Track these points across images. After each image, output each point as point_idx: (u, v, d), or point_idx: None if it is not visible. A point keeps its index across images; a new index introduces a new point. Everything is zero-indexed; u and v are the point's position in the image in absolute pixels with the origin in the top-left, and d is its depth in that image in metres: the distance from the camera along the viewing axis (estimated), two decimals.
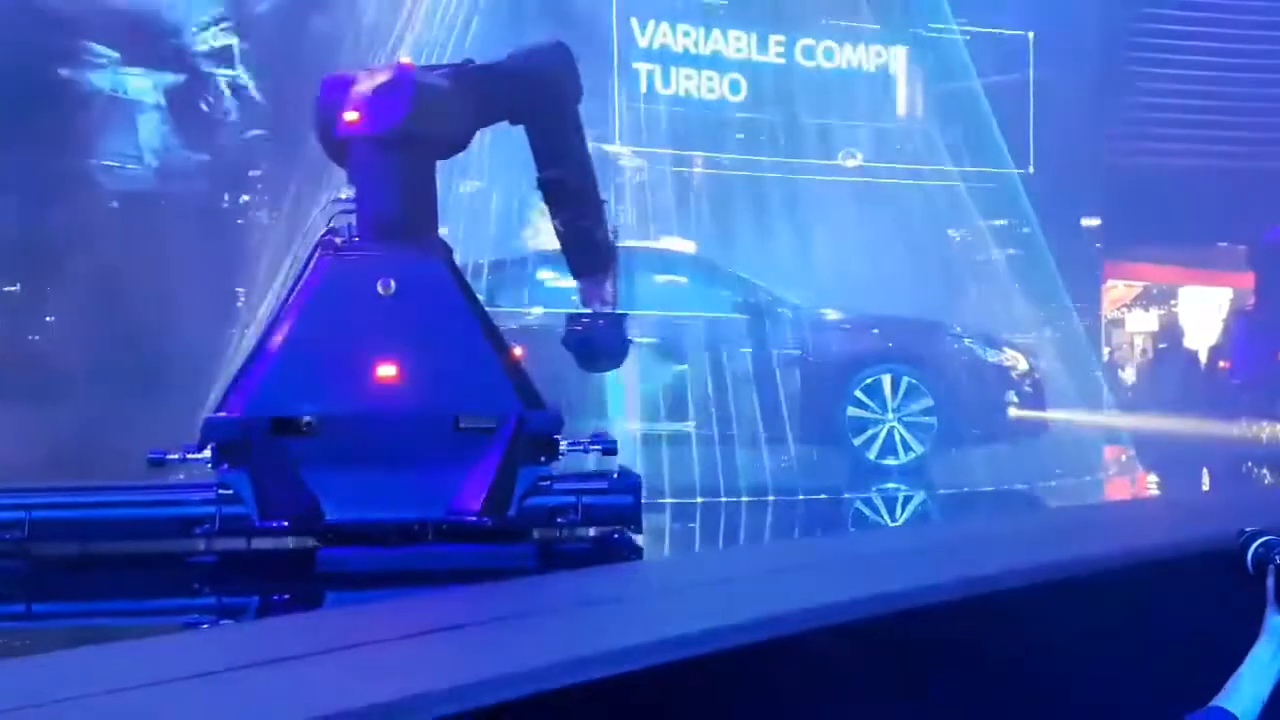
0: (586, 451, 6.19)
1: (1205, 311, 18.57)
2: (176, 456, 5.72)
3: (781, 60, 14.42)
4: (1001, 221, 14.14)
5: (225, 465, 5.58)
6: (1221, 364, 15.45)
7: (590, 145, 6.67)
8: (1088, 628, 3.97)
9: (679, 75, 14.07)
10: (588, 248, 6.66)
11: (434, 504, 5.57)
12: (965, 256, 13.43)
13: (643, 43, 13.95)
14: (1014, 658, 3.78)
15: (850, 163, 14.09)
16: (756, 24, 14.30)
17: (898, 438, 9.65)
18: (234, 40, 11.72)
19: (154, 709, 2.85)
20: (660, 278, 10.20)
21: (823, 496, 8.90)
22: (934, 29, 14.76)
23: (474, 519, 5.55)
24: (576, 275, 6.81)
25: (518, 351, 6.19)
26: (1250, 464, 11.22)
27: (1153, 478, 10.63)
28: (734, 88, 14.21)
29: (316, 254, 5.84)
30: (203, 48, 11.67)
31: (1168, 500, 9.47)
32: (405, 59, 6.30)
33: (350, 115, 5.78)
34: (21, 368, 10.41)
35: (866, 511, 8.65)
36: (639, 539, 6.12)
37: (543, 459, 5.76)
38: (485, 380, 5.73)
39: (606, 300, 6.70)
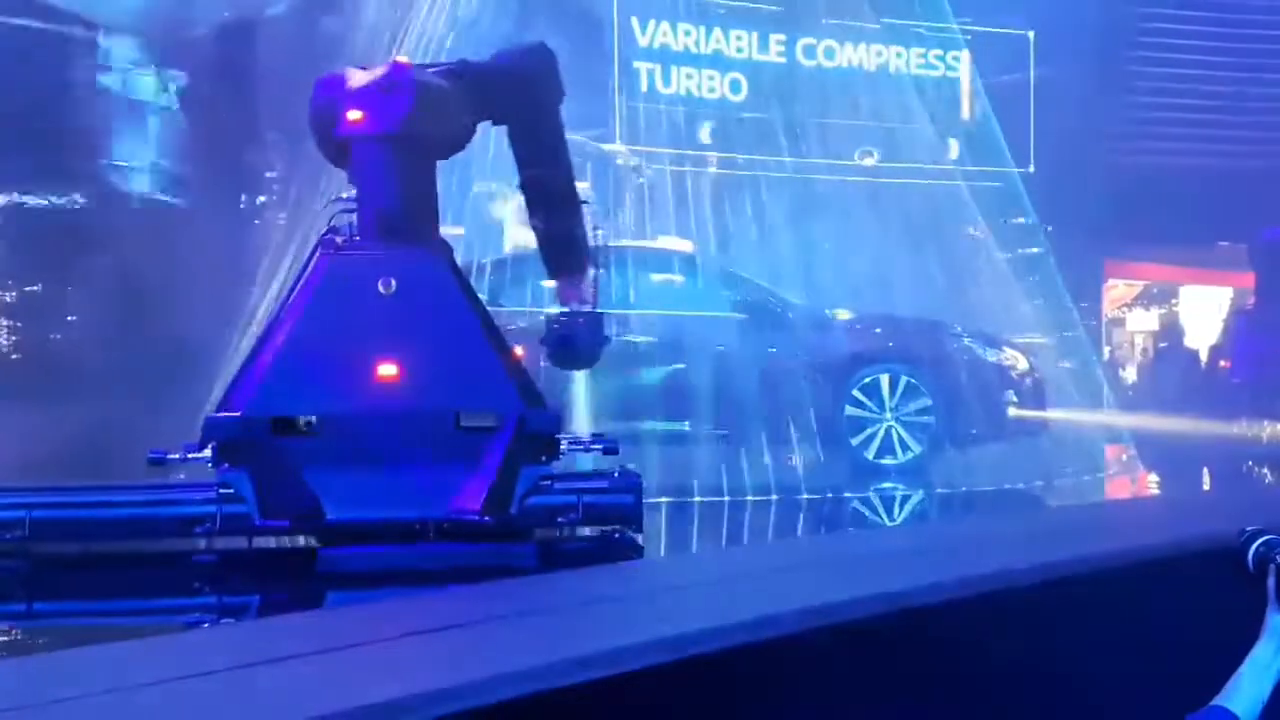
0: (587, 451, 6.20)
1: (1206, 310, 18.57)
2: (177, 456, 5.72)
3: (802, 61, 14.42)
4: (1002, 221, 14.14)
5: (226, 464, 5.58)
6: (1222, 363, 15.46)
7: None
8: (1088, 627, 3.96)
9: (701, 75, 14.05)
10: (566, 247, 6.69)
11: (435, 503, 5.57)
12: (966, 256, 13.42)
13: (643, 41, 13.95)
14: (1014, 657, 3.78)
15: (868, 161, 14.08)
16: (783, 25, 14.30)
17: (895, 437, 9.66)
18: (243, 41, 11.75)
19: (155, 708, 2.85)
20: (657, 276, 10.20)
21: (821, 496, 8.90)
22: (934, 29, 14.76)
23: (475, 518, 5.55)
24: (554, 274, 6.84)
25: (519, 351, 6.19)
26: (1251, 463, 11.22)
27: (1153, 477, 10.63)
28: (735, 87, 14.20)
29: (317, 253, 5.84)
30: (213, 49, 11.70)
31: (1168, 499, 9.46)
32: (401, 57, 6.29)
33: (353, 114, 5.77)
34: (35, 367, 10.49)
35: (865, 511, 8.65)
36: (640, 538, 6.12)
37: (544, 458, 5.76)
38: (486, 379, 5.73)
39: (585, 300, 6.72)
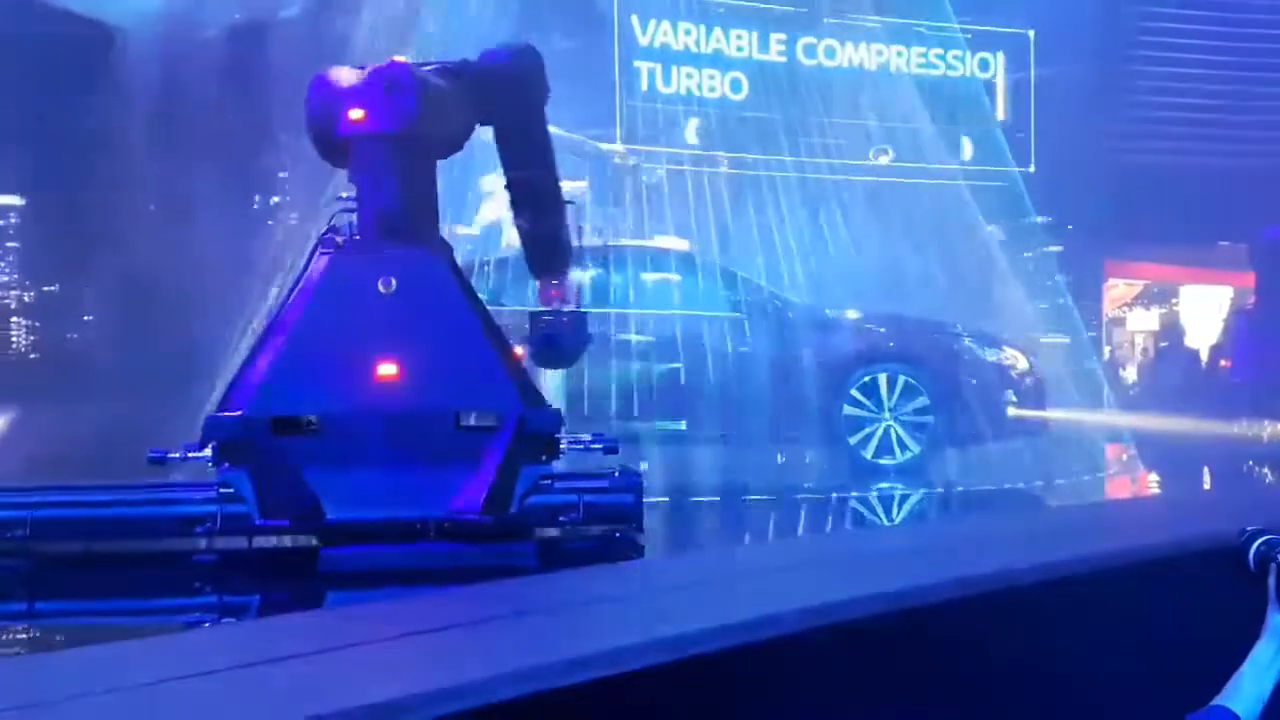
0: (587, 450, 6.21)
1: (1206, 310, 18.55)
2: (177, 455, 5.72)
3: (822, 60, 14.42)
4: (1003, 220, 14.14)
5: (226, 464, 5.58)
6: (1222, 363, 15.46)
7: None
8: (1088, 627, 3.96)
9: (702, 75, 14.05)
10: (550, 248, 6.73)
11: (435, 503, 5.57)
12: (967, 255, 13.41)
13: (644, 40, 13.94)
14: (1015, 657, 3.78)
15: (883, 159, 14.06)
16: (787, 23, 14.29)
17: (894, 437, 9.65)
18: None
19: (155, 708, 2.85)
20: (655, 276, 10.20)
21: (818, 496, 8.90)
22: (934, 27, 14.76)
23: (475, 518, 5.55)
24: (537, 274, 6.87)
25: (519, 350, 6.20)
26: (1251, 463, 11.22)
27: (1154, 476, 10.62)
28: (735, 86, 14.19)
29: (317, 252, 5.84)
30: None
31: (1169, 499, 9.46)
32: (400, 56, 6.30)
33: (355, 113, 5.77)
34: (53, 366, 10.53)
35: (863, 511, 8.65)
36: (640, 537, 6.12)
37: (544, 457, 5.77)
38: (486, 379, 5.73)
39: (567, 299, 6.76)
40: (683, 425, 9.45)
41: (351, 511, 5.55)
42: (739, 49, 14.25)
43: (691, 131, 13.77)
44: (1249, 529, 2.99)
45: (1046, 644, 3.85)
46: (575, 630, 3.69)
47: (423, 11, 11.01)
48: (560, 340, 6.71)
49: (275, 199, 11.99)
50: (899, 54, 14.68)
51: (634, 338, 9.65)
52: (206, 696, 2.93)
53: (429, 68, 6.19)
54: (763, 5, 14.32)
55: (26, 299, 12.76)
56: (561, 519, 6.03)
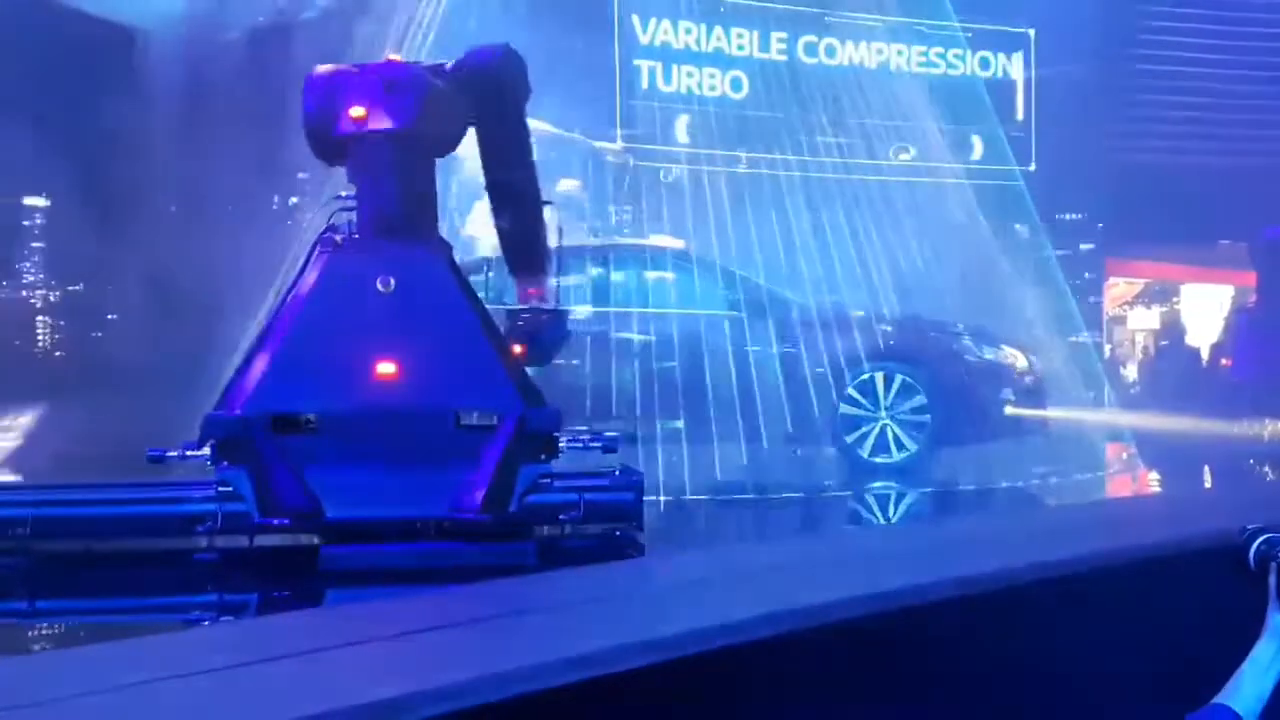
0: (587, 449, 6.20)
1: (1207, 309, 18.54)
2: (176, 454, 5.72)
3: (840, 58, 14.42)
4: (1003, 219, 14.13)
5: (225, 462, 5.58)
6: (1223, 361, 15.44)
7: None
8: (1089, 625, 3.96)
9: (702, 74, 14.03)
10: (529, 247, 6.75)
11: (435, 501, 5.57)
12: (967, 254, 13.40)
13: (644, 39, 13.93)
14: (1014, 656, 3.78)
15: (903, 157, 14.05)
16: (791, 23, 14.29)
17: (890, 435, 9.63)
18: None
19: (156, 706, 2.85)
20: (651, 274, 10.19)
21: (814, 495, 8.89)
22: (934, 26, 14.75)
23: (475, 516, 5.55)
24: (516, 273, 6.89)
25: (518, 349, 6.19)
26: (1252, 461, 11.22)
27: (1154, 475, 10.62)
28: (735, 85, 14.18)
29: (316, 251, 5.84)
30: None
31: (1170, 497, 9.46)
32: (394, 56, 6.31)
33: (356, 111, 5.77)
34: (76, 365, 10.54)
35: (860, 510, 8.65)
36: (640, 536, 6.12)
37: (543, 456, 5.76)
38: (485, 378, 5.73)
39: (545, 298, 6.78)
40: (680, 424, 9.43)
41: (351, 510, 5.56)
42: (740, 48, 14.25)
43: (681, 129, 13.76)
44: (1249, 527, 2.99)
45: (1046, 643, 3.85)
46: (576, 628, 3.68)
47: (438, 13, 11.02)
48: (539, 338, 6.73)
49: (294, 199, 12.00)
50: (899, 53, 14.67)
51: (632, 336, 9.64)
52: (207, 695, 2.93)
53: (422, 67, 6.20)
54: (774, 5, 14.32)
55: (51, 298, 12.84)
56: (562, 517, 6.02)
